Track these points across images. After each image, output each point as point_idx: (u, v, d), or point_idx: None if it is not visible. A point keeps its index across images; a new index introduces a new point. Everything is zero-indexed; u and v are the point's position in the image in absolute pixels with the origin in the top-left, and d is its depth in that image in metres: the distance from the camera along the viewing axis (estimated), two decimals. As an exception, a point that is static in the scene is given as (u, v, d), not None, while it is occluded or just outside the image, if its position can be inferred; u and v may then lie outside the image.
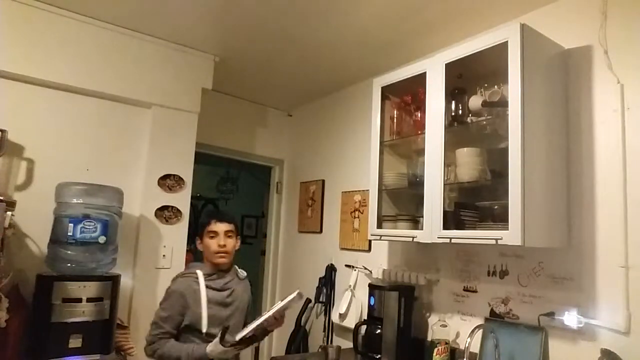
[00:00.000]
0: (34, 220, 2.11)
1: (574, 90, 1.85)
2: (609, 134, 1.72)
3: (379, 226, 2.24)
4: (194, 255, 3.99)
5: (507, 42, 1.71)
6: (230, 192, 5.36)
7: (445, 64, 1.96)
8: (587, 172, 1.77)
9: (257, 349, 3.49)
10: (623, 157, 1.67)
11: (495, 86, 1.91)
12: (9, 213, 1.83)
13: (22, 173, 2.18)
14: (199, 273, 1.85)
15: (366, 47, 2.52)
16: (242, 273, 2.03)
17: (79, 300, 1.96)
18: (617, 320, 1.61)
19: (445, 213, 1.92)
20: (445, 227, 1.89)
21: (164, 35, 2.54)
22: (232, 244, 1.92)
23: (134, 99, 2.50)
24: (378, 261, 2.66)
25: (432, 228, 1.93)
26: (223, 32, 2.47)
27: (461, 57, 1.90)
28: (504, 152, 1.69)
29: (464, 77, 2.04)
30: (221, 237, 1.88)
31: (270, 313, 1.72)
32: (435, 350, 2.03)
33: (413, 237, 2.04)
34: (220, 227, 1.90)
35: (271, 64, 2.83)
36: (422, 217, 2.02)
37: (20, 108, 2.20)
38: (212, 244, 1.88)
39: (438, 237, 1.90)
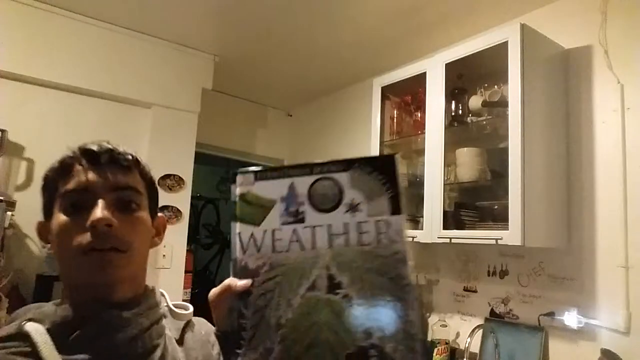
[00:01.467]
0: (34, 220, 2.10)
1: (574, 90, 1.85)
2: (609, 134, 1.72)
3: (379, 226, 2.24)
4: (194, 255, 3.99)
5: (507, 42, 1.71)
6: (230, 192, 5.36)
7: (445, 64, 1.96)
8: (587, 172, 1.77)
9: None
10: (623, 157, 1.67)
11: (495, 86, 1.91)
12: (9, 213, 1.83)
13: (22, 173, 2.18)
14: (35, 330, 0.60)
15: (366, 47, 2.52)
16: (197, 323, 0.78)
17: (79, 300, 1.95)
18: (617, 320, 1.61)
19: (445, 213, 1.92)
20: (445, 227, 1.89)
21: (164, 35, 2.54)
22: (134, 224, 0.67)
23: (134, 99, 2.50)
24: (378, 261, 2.65)
25: (432, 228, 1.93)
26: (223, 32, 2.47)
27: (461, 57, 1.90)
28: (504, 152, 1.69)
29: (464, 77, 2.04)
30: (99, 206, 0.63)
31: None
32: (435, 350, 2.03)
33: (413, 237, 2.04)
34: (95, 178, 0.66)
35: (271, 64, 2.83)
36: (422, 217, 2.02)
37: (20, 108, 2.20)
38: (72, 228, 0.64)
39: (438, 237, 1.90)
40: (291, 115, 3.76)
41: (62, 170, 0.68)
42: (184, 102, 2.66)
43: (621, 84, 1.70)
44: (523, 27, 1.68)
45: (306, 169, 0.56)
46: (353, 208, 0.54)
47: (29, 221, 2.11)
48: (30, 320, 0.62)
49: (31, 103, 2.23)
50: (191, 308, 0.77)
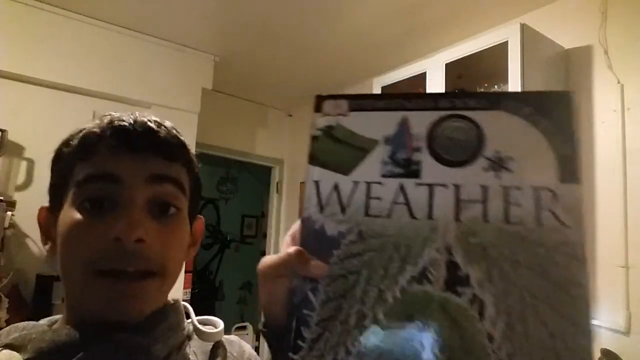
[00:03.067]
0: (34, 220, 2.10)
1: (574, 90, 1.85)
2: (609, 134, 1.72)
3: (379, 226, 2.23)
4: (194, 255, 3.99)
5: (507, 42, 1.71)
6: (230, 192, 5.36)
7: (445, 64, 1.96)
8: (587, 172, 1.77)
9: (256, 349, 3.49)
10: (623, 157, 1.67)
11: (495, 86, 1.91)
12: (9, 213, 1.83)
13: (22, 173, 2.18)
14: None
15: (366, 47, 2.52)
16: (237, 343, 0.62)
17: (79, 300, 1.95)
18: (617, 320, 1.61)
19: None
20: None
21: (164, 35, 2.54)
22: (171, 237, 0.50)
23: (134, 99, 2.50)
24: (378, 261, 2.65)
25: (432, 228, 1.93)
26: (223, 32, 2.47)
27: (461, 57, 1.90)
28: (504, 152, 1.69)
29: (464, 77, 2.04)
30: (130, 211, 0.46)
31: None
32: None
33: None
34: (126, 165, 0.48)
35: (271, 64, 2.83)
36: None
37: (20, 108, 2.19)
38: (86, 234, 0.46)
39: (438, 237, 1.90)
40: (291, 115, 3.76)
41: (82, 149, 0.50)
42: (184, 102, 2.66)
43: (621, 84, 1.70)
44: (523, 27, 1.68)
45: (429, 100, 0.37)
46: (499, 165, 0.34)
47: (29, 221, 2.11)
48: (6, 346, 0.46)
49: (31, 103, 2.23)
50: (221, 324, 0.60)
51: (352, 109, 0.38)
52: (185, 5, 2.18)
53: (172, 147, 0.52)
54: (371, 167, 0.37)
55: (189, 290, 3.02)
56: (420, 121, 0.36)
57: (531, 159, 0.33)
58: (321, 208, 0.37)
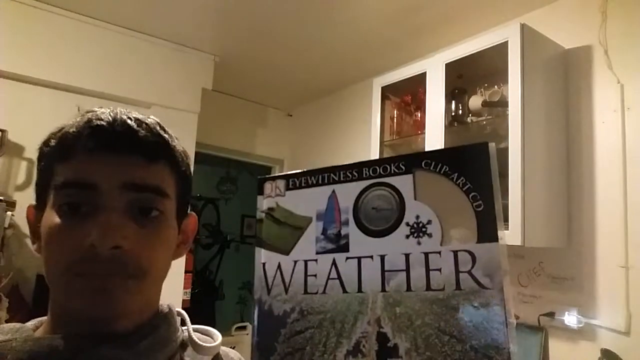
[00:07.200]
0: (34, 220, 2.11)
1: (574, 91, 1.85)
2: (609, 134, 1.72)
3: (379, 226, 2.23)
4: (194, 256, 3.99)
5: (507, 42, 1.71)
6: (230, 192, 5.36)
7: (445, 64, 1.96)
8: (587, 172, 1.77)
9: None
10: (623, 157, 1.67)
11: (495, 86, 1.91)
12: (9, 213, 1.83)
13: (22, 173, 2.18)
14: None
15: (366, 47, 2.52)
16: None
17: (79, 300, 1.95)
18: (617, 320, 1.61)
19: (445, 213, 1.91)
20: (446, 227, 1.89)
21: (164, 35, 2.54)
22: (153, 242, 0.48)
23: (134, 99, 2.50)
24: (378, 261, 2.65)
25: (432, 228, 1.92)
26: (223, 32, 2.47)
27: (461, 57, 1.90)
28: (504, 152, 1.69)
29: (464, 77, 2.04)
30: (104, 217, 0.45)
31: None
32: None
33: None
34: (102, 171, 0.47)
35: (271, 64, 2.83)
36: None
37: (20, 108, 2.20)
38: (65, 236, 0.46)
39: (438, 237, 1.90)
40: (291, 115, 3.76)
41: (60, 150, 0.49)
42: (184, 102, 2.66)
43: (621, 84, 1.70)
44: (523, 27, 1.68)
45: (353, 170, 0.38)
46: (418, 230, 0.35)
47: (29, 221, 2.11)
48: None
49: (31, 103, 2.23)
50: (219, 338, 0.57)
51: (288, 188, 0.40)
52: (186, 5, 2.18)
53: (153, 147, 0.50)
54: (307, 244, 0.38)
55: (189, 290, 3.02)
56: (347, 193, 0.37)
57: (451, 219, 0.34)
58: (268, 290, 0.39)
